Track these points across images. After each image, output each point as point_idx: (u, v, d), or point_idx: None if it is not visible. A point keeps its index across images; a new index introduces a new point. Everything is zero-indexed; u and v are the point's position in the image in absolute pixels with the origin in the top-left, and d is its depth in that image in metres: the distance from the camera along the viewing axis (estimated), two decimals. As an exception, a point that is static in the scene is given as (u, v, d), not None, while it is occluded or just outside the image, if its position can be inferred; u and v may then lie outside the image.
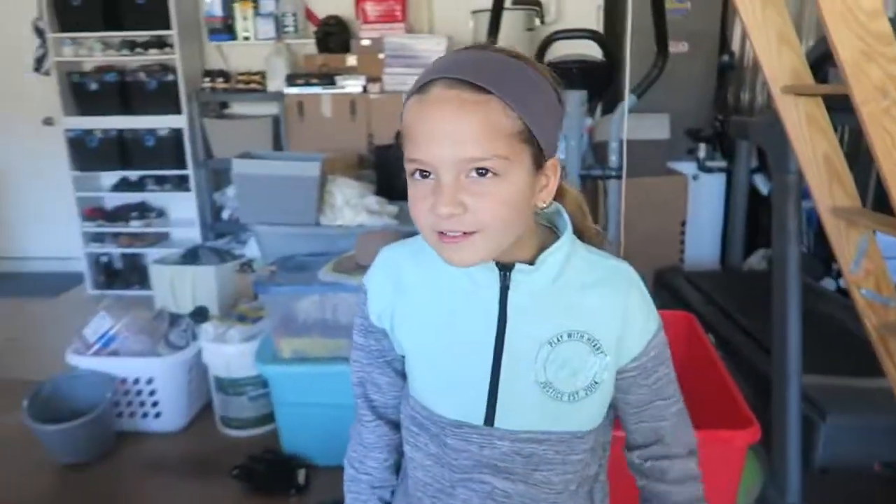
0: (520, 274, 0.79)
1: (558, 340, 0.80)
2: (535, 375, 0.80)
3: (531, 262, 0.79)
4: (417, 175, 0.72)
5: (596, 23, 3.82)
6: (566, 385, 0.80)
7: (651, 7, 2.23)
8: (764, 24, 1.32)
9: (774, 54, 1.34)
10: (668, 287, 2.82)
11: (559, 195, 0.84)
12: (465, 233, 0.72)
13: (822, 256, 2.91)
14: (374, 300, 0.88)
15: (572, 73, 2.28)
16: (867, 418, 1.67)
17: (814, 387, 1.72)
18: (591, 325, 0.80)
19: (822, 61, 1.61)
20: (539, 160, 0.73)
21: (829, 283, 2.82)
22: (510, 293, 0.80)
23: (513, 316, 0.80)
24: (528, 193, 0.74)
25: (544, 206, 0.78)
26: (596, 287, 0.81)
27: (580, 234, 0.86)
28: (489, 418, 0.82)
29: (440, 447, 0.85)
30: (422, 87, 0.71)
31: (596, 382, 0.81)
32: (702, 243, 3.50)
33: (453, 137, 0.69)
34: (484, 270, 0.79)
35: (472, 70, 0.70)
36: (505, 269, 0.79)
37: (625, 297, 0.81)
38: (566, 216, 0.83)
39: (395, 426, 0.94)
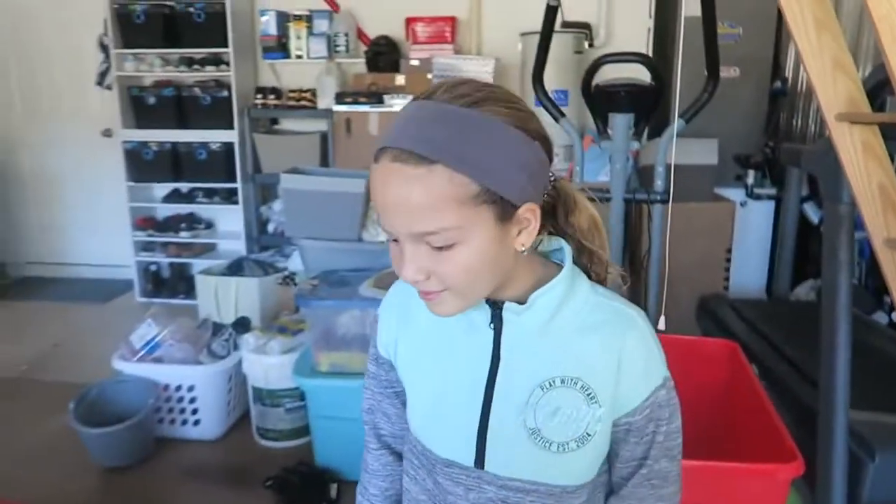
0: (509, 313, 0.77)
1: (550, 385, 0.76)
2: (524, 420, 0.76)
3: (525, 301, 0.76)
4: (391, 238, 0.72)
5: (645, 46, 3.81)
6: (556, 434, 0.76)
7: (703, 31, 2.21)
8: (819, 50, 1.29)
9: (829, 81, 1.31)
10: (711, 314, 2.76)
11: (573, 210, 0.81)
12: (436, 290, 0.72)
13: (873, 289, 2.81)
14: (383, 330, 0.88)
15: (620, 97, 2.26)
16: (920, 459, 1.60)
17: (862, 423, 1.66)
18: (586, 372, 0.76)
19: (879, 89, 1.57)
20: (507, 212, 0.70)
21: (880, 317, 2.72)
22: (503, 332, 0.78)
23: (505, 356, 0.78)
24: (498, 247, 0.71)
25: (523, 249, 0.74)
26: (595, 331, 0.76)
27: (588, 263, 0.83)
28: (479, 460, 0.79)
29: (435, 484, 0.84)
30: (376, 156, 0.69)
31: (588, 434, 0.76)
32: (747, 271, 3.43)
33: (400, 211, 0.67)
34: (477, 308, 0.77)
35: (414, 137, 0.66)
36: (497, 307, 0.77)
37: (621, 342, 0.76)
38: (567, 252, 0.79)
39: (401, 457, 0.93)
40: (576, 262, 0.81)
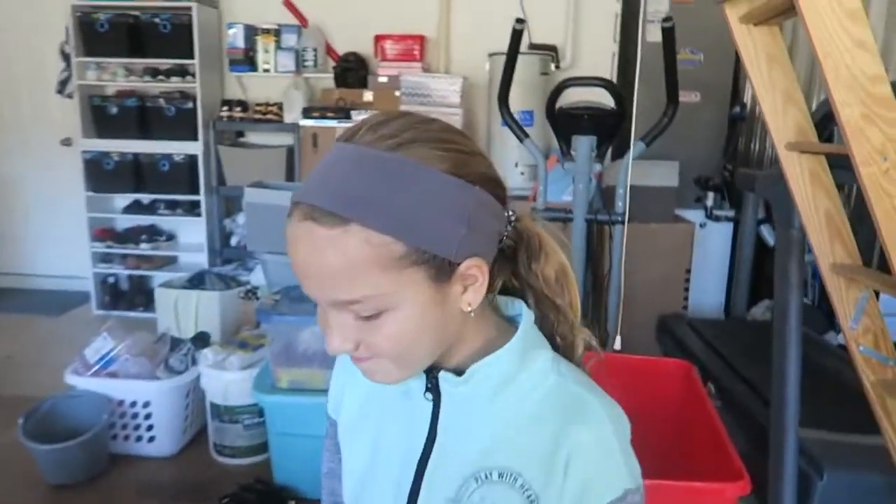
0: (446, 384, 0.66)
1: (486, 478, 0.64)
2: None
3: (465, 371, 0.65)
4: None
5: (610, 69, 3.89)
6: None
7: (663, 58, 2.27)
8: (771, 84, 1.34)
9: (780, 112, 1.36)
10: (670, 333, 2.81)
11: (537, 256, 0.70)
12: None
13: (826, 310, 2.90)
14: (332, 386, 0.80)
15: (582, 120, 2.32)
16: (865, 476, 1.65)
17: (812, 441, 1.70)
18: (529, 469, 0.63)
19: (827, 120, 1.63)
20: (444, 271, 0.60)
21: (832, 337, 2.80)
22: (441, 406, 0.67)
23: (442, 433, 0.67)
24: (437, 311, 0.61)
25: (470, 309, 0.63)
26: (545, 419, 0.64)
27: (554, 322, 0.71)
28: None
29: None
30: (290, 209, 0.60)
31: None
32: (707, 291, 3.50)
33: (315, 279, 0.58)
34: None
35: (327, 191, 0.57)
36: (433, 375, 0.67)
37: (574, 437, 0.63)
38: (525, 317, 0.68)
39: None
40: (540, 323, 0.71)
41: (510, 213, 0.67)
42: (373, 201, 0.56)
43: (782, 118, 1.36)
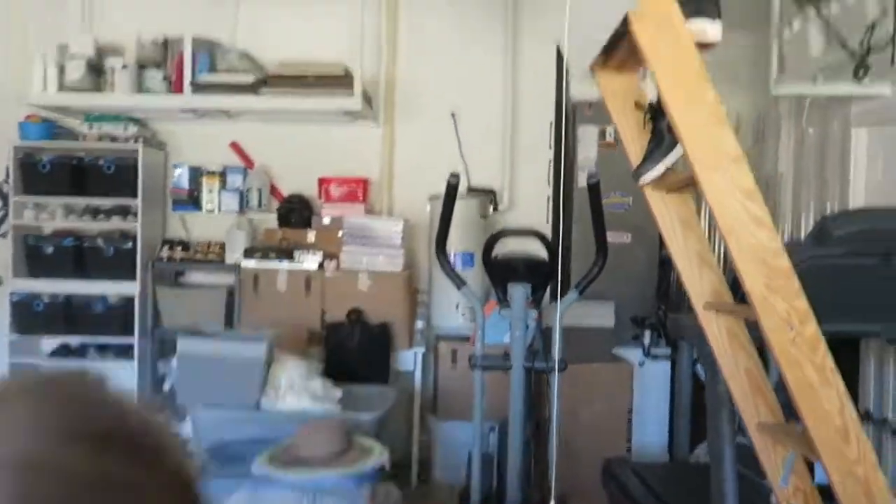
0: None
1: None
2: None
3: None
4: None
5: (546, 211, 4.05)
6: None
7: (591, 214, 2.39)
8: (686, 248, 1.43)
9: (696, 274, 1.44)
10: (615, 479, 2.76)
11: None
12: None
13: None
14: None
15: (518, 269, 2.39)
16: None
17: None
18: None
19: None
20: None
21: (774, 481, 2.80)
22: None
23: None
24: None
25: None
26: None
27: None
28: None
29: None
30: None
31: None
32: (650, 430, 3.49)
33: None
34: None
35: None
36: None
37: None
38: None
39: None
40: None
41: None
42: None
43: (698, 280, 1.43)
